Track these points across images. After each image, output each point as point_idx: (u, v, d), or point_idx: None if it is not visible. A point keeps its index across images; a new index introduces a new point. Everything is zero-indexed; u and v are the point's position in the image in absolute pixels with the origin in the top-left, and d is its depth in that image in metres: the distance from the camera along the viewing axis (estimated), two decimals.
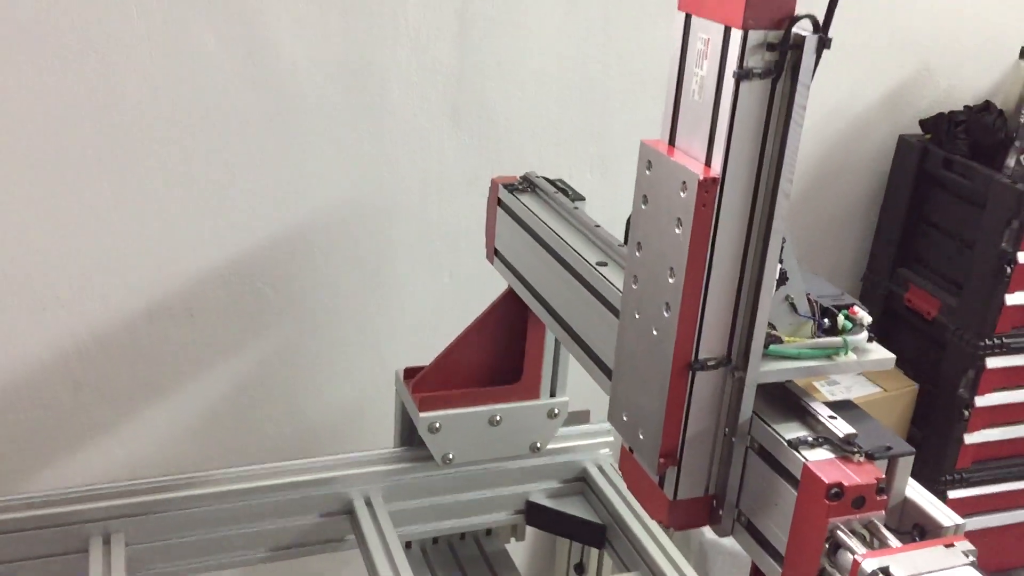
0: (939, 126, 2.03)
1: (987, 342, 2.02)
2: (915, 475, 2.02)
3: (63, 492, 1.52)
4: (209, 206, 1.79)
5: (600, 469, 1.71)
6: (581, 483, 1.72)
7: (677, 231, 0.93)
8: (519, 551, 1.86)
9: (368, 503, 1.59)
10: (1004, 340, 2.04)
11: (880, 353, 1.01)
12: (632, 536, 1.58)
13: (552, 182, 1.48)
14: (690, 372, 0.95)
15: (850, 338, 1.00)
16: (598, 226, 1.31)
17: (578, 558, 1.83)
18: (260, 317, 1.88)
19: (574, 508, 1.72)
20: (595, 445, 1.69)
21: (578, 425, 1.69)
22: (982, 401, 2.10)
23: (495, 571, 1.76)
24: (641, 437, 1.01)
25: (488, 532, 1.83)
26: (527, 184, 1.50)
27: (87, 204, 1.74)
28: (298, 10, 1.72)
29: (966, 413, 1.98)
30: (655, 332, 0.97)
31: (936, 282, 2.04)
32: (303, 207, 1.84)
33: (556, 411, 1.64)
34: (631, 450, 1.06)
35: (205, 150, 1.76)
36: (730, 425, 0.97)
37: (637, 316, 1.00)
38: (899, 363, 2.01)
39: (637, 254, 1.00)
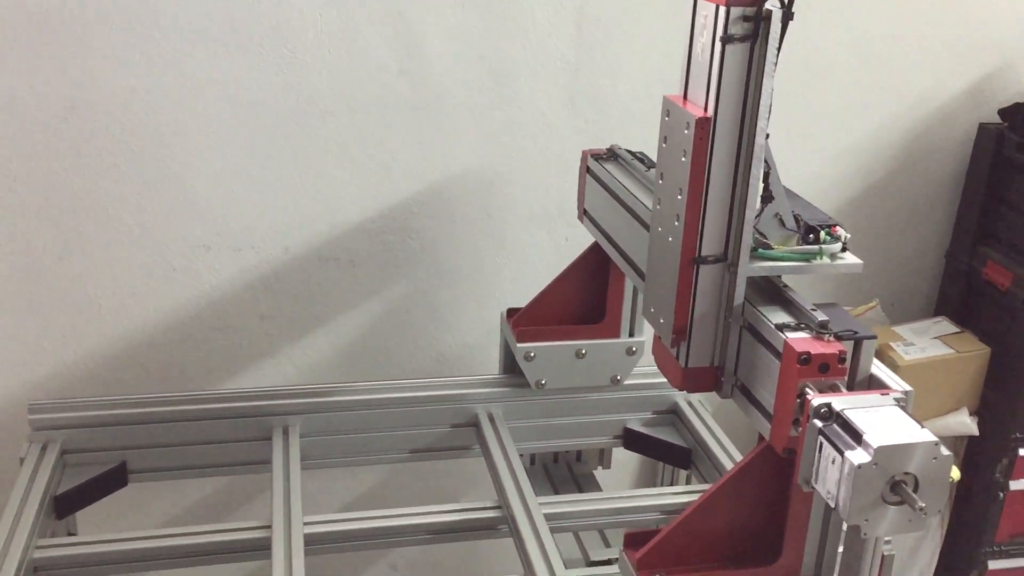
0: (1016, 115, 2.13)
1: None
2: (988, 433, 2.16)
3: (253, 390, 1.76)
4: (370, 175, 1.99)
5: (688, 403, 1.85)
6: (672, 415, 1.88)
7: (683, 160, 1.19)
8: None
9: (490, 418, 1.77)
10: None
11: (850, 259, 1.21)
12: (713, 457, 1.74)
13: (633, 153, 1.62)
14: (695, 266, 1.20)
15: (825, 247, 1.21)
16: None
17: (668, 480, 1.99)
18: (406, 264, 2.07)
19: (664, 435, 1.86)
20: None
21: None
22: None
23: (582, 489, 1.91)
24: (661, 321, 1.28)
25: (578, 457, 1.99)
26: (611, 154, 1.66)
27: (276, 172, 1.95)
28: (447, 17, 1.91)
29: None
30: (670, 239, 1.23)
31: (1011, 256, 2.10)
32: (444, 176, 2.01)
33: (634, 349, 1.77)
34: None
35: (369, 130, 1.95)
36: (727, 309, 1.22)
37: (660, 229, 1.27)
38: (974, 330, 2.18)
39: (660, 182, 1.27)
